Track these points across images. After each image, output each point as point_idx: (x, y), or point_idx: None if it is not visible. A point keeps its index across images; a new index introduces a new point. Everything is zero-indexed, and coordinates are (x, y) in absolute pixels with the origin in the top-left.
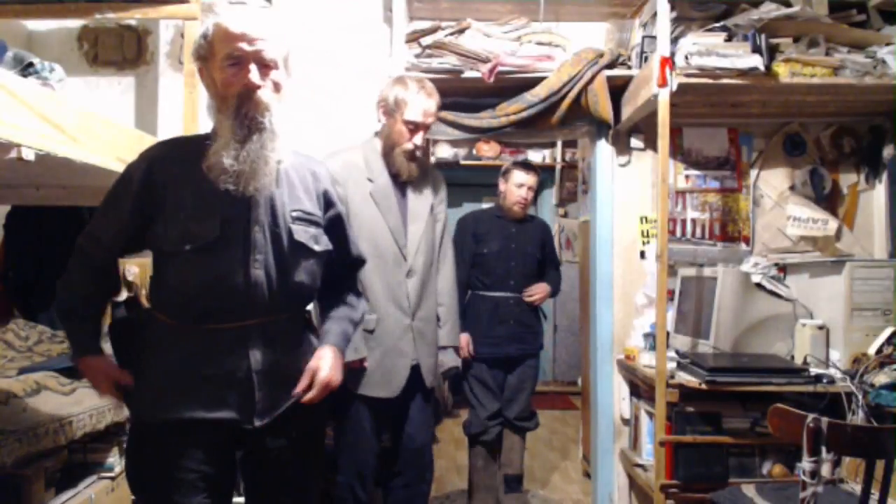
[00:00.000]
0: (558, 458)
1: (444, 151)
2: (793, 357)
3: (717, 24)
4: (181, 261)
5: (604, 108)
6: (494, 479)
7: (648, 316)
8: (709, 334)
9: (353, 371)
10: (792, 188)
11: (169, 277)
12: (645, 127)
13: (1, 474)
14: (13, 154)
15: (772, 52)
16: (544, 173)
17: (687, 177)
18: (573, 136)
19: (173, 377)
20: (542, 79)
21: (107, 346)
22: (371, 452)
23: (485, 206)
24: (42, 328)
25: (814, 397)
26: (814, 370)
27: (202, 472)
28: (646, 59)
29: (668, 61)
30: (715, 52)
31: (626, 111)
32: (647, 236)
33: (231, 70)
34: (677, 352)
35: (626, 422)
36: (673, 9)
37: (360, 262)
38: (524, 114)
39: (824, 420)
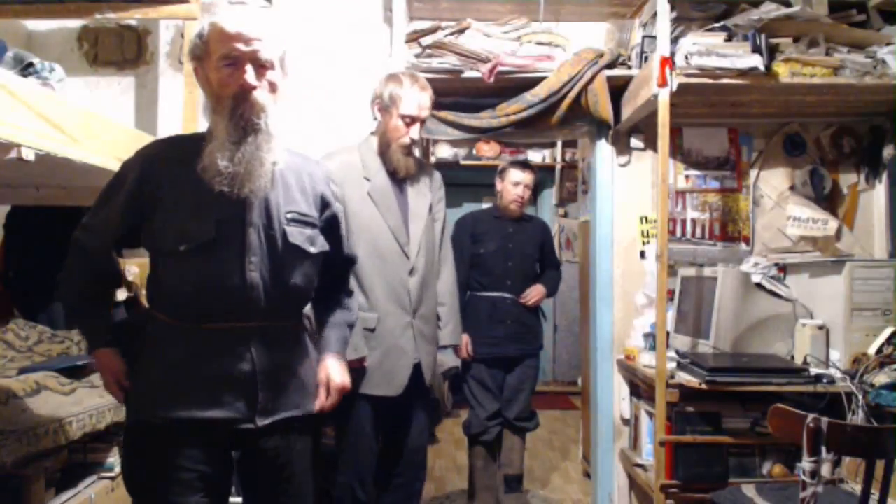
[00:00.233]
0: (558, 458)
1: (444, 151)
2: (793, 357)
3: (717, 24)
4: (176, 261)
5: (604, 108)
6: (494, 479)
7: (648, 316)
8: (709, 334)
9: (354, 370)
10: (792, 188)
11: (165, 277)
12: (645, 127)
13: (1, 474)
14: (13, 154)
15: (772, 52)
16: (544, 173)
17: (687, 177)
18: (573, 136)
19: (172, 376)
20: (542, 79)
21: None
22: (371, 453)
23: (485, 206)
24: (42, 328)
25: (814, 397)
26: (814, 370)
27: (199, 471)
28: (646, 59)
29: (668, 61)
30: (715, 52)
31: (626, 111)
32: (647, 236)
33: (227, 70)
34: (677, 352)
35: (626, 422)
36: (673, 9)
37: (352, 261)
38: (524, 114)
39: (824, 420)
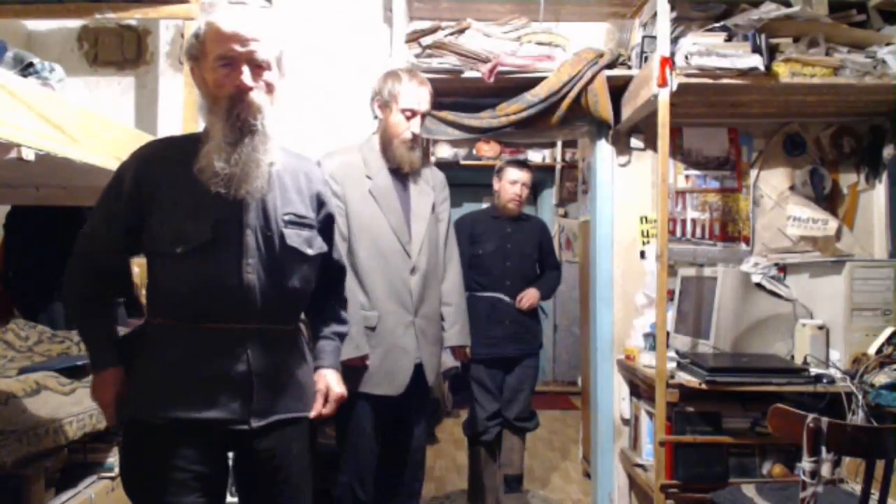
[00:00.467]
0: (558, 458)
1: (444, 151)
2: (793, 357)
3: (717, 24)
4: (173, 262)
5: (604, 108)
6: (494, 479)
7: (648, 316)
8: (709, 334)
9: (356, 369)
10: (792, 188)
11: (162, 278)
12: (645, 127)
13: (1, 474)
14: (13, 154)
15: (772, 52)
16: (544, 173)
17: (687, 177)
18: (573, 136)
19: (168, 376)
20: (542, 79)
21: None
22: (372, 453)
23: (484, 205)
24: (42, 328)
25: (814, 397)
26: (814, 370)
27: (195, 471)
28: (646, 59)
29: (668, 61)
30: (715, 52)
31: (626, 111)
32: (647, 236)
33: (223, 71)
34: (677, 352)
35: (626, 422)
36: (673, 9)
37: (341, 269)
38: (524, 114)
39: (824, 420)
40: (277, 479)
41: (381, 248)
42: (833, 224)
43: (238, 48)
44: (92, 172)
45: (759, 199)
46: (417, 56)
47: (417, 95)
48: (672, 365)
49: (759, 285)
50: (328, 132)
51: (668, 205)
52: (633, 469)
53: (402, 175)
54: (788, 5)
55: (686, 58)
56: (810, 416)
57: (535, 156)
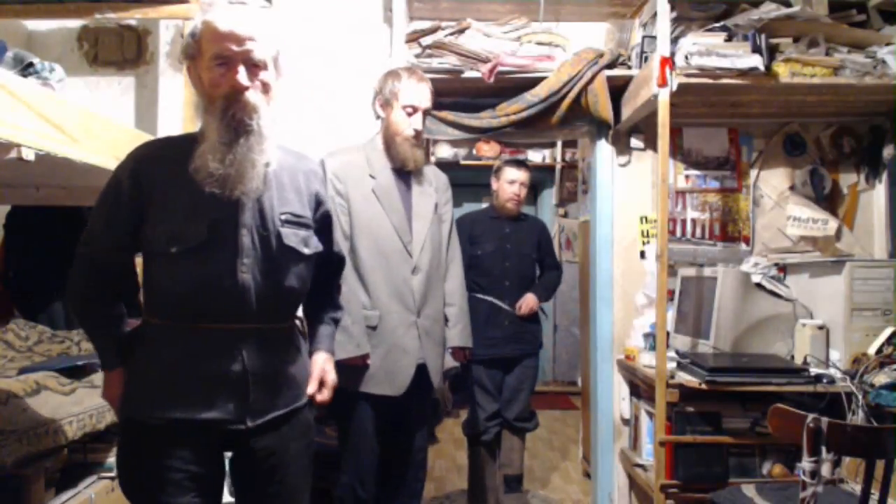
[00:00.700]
0: (558, 458)
1: (444, 151)
2: (793, 357)
3: (717, 24)
4: (168, 262)
5: (604, 108)
6: (494, 479)
7: (648, 316)
8: (709, 334)
9: (357, 368)
10: (792, 188)
11: (157, 278)
12: (645, 127)
13: (1, 474)
14: (13, 154)
15: (772, 52)
16: (544, 173)
17: (687, 177)
18: (573, 136)
19: (165, 376)
20: (542, 79)
21: None
22: (373, 453)
23: (485, 205)
24: (42, 328)
25: (814, 397)
26: (814, 370)
27: (190, 471)
28: (646, 59)
29: (668, 61)
30: (715, 52)
31: (626, 111)
32: (647, 236)
33: (219, 70)
34: (677, 352)
35: (626, 422)
36: (673, 9)
37: (341, 260)
38: (524, 114)
39: (824, 420)
40: (275, 478)
41: (382, 248)
42: (833, 224)
43: (234, 47)
44: (92, 172)
45: (759, 199)
46: (417, 56)
47: (418, 92)
48: (672, 365)
49: (759, 285)
50: (328, 132)
51: (668, 205)
52: (633, 469)
53: (405, 175)
54: (788, 5)
55: (686, 58)
56: (810, 416)
57: (535, 156)
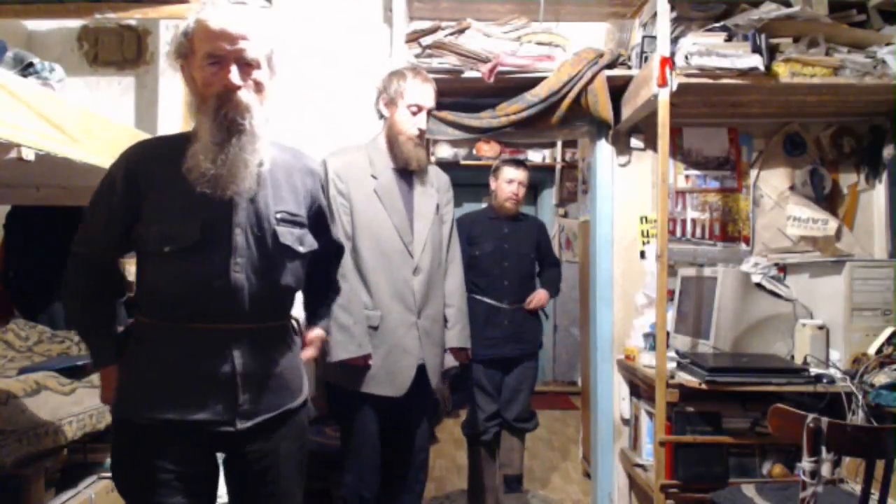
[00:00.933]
0: (558, 458)
1: (444, 151)
2: (793, 357)
3: (717, 24)
4: (161, 262)
5: (604, 108)
6: (494, 479)
7: (648, 316)
8: (709, 334)
9: (358, 369)
10: (792, 188)
11: (150, 278)
12: (645, 127)
13: (1, 474)
14: (13, 154)
15: (772, 52)
16: (544, 173)
17: (687, 177)
18: (573, 136)
19: (156, 376)
20: (542, 79)
21: None
22: (376, 453)
23: (484, 205)
24: (42, 328)
25: (814, 397)
26: (814, 370)
27: (179, 472)
28: (646, 59)
29: (668, 61)
30: (715, 52)
31: (626, 111)
32: (647, 236)
33: (211, 69)
34: (677, 352)
35: (626, 422)
36: (673, 9)
37: (339, 248)
38: (524, 114)
39: (824, 420)
40: (267, 479)
41: (383, 248)
42: (833, 224)
43: (226, 46)
44: (92, 172)
45: (759, 199)
46: (417, 56)
47: (422, 91)
48: (672, 365)
49: (759, 285)
50: (328, 132)
51: (668, 205)
52: (633, 469)
53: (406, 175)
54: (788, 5)
55: (686, 58)
56: (810, 416)
57: (535, 156)
